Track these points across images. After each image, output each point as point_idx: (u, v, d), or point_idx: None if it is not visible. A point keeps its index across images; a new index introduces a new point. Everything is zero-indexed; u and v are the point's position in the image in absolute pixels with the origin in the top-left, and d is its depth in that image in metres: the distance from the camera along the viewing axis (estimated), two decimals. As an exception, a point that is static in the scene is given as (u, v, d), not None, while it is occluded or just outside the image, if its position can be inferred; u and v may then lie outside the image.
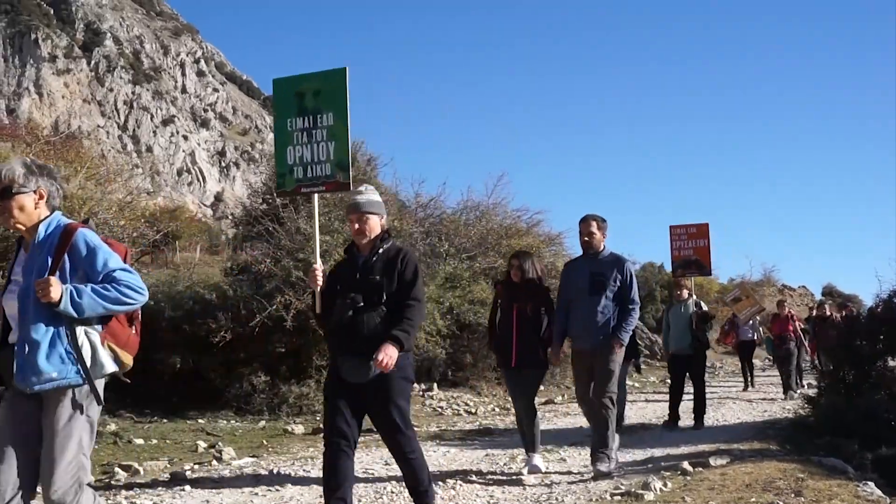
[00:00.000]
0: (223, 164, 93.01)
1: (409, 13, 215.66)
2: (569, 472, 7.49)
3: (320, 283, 5.37)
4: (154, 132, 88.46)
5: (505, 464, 7.92)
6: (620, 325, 7.11)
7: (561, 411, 13.32)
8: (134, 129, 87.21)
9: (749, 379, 18.38)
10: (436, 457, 8.38)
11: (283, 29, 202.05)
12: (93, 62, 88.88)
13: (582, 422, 11.77)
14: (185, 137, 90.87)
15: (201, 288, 12.30)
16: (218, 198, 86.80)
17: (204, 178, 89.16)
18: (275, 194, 14.19)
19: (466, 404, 13.35)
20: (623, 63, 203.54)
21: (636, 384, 18.66)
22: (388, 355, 4.73)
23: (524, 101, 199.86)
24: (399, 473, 5.71)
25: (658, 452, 8.48)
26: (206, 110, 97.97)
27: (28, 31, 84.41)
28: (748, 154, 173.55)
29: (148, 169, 66.49)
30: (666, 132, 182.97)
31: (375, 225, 5.27)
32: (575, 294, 7.32)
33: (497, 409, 13.24)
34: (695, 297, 11.77)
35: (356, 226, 5.24)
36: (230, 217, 41.50)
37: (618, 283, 7.18)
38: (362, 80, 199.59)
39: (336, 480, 4.84)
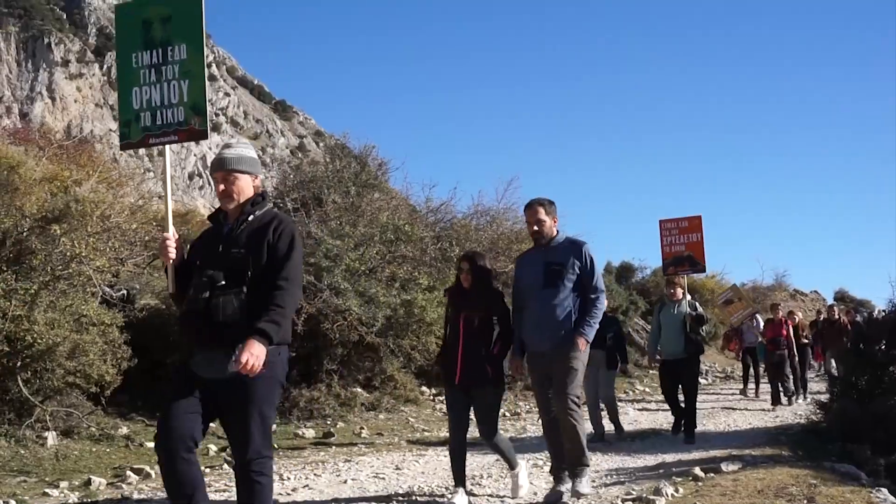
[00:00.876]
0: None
1: (422, 17, 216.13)
2: (580, 478, 7.46)
3: (173, 256, 4.44)
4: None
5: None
6: (583, 318, 6.23)
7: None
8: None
9: (754, 384, 17.63)
10: (446, 461, 8.35)
11: (294, 33, 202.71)
12: (105, 66, 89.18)
13: (588, 427, 11.77)
14: (196, 141, 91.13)
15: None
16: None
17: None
18: (285, 199, 14.27)
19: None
20: (637, 67, 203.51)
21: (647, 388, 18.57)
22: (253, 354, 3.92)
23: (536, 105, 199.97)
24: (410, 478, 5.72)
25: (669, 458, 8.46)
26: (217, 115, 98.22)
27: (41, 36, 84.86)
28: (761, 159, 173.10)
29: (159, 173, 66.77)
30: (680, 136, 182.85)
31: (246, 186, 4.39)
32: (528, 291, 6.43)
33: (507, 415, 13.21)
34: (689, 296, 10.92)
35: (221, 187, 4.36)
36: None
37: (576, 270, 6.27)
38: (375, 83, 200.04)
39: (183, 492, 4.00)
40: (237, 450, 4.13)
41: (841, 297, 48.18)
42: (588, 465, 6.38)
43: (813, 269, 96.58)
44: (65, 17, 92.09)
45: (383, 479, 7.45)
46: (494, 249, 16.60)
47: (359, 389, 12.32)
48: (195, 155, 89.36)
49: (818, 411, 10.26)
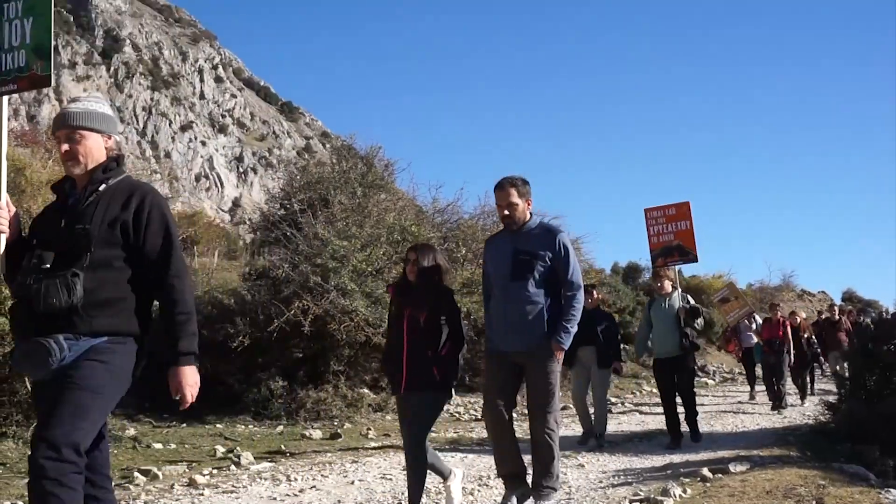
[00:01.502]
0: (241, 170, 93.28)
1: (428, 17, 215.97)
2: (587, 479, 7.46)
3: (5, 230, 3.77)
4: (172, 138, 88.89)
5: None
6: (560, 322, 5.54)
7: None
8: (152, 135, 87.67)
9: (755, 388, 17.09)
10: (453, 462, 8.36)
11: (300, 35, 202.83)
12: (112, 68, 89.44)
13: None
14: (203, 143, 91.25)
15: (219, 293, 12.34)
16: (236, 203, 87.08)
17: (222, 184, 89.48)
18: (292, 200, 14.28)
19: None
20: (644, 66, 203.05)
21: (654, 389, 18.52)
22: (189, 385, 3.57)
23: (543, 105, 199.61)
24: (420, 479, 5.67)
25: (677, 458, 8.44)
26: (223, 116, 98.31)
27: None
28: (768, 158, 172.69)
29: (166, 174, 66.92)
30: (688, 136, 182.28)
31: (95, 147, 3.63)
32: (496, 280, 5.81)
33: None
34: (680, 289, 10.23)
35: (64, 147, 3.62)
36: (248, 222, 41.65)
37: (548, 261, 5.63)
38: (381, 84, 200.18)
39: None
40: (34, 447, 3.26)
41: (849, 297, 48.10)
42: (557, 490, 5.85)
43: (821, 270, 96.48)
44: (72, 19, 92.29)
45: (391, 479, 7.45)
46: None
47: (366, 390, 12.33)
48: (202, 157, 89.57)
49: (826, 412, 10.22)
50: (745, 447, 9.06)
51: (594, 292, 10.32)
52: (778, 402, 13.87)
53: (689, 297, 10.16)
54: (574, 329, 5.62)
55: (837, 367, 16.23)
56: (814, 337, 17.49)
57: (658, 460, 8.43)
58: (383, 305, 11.71)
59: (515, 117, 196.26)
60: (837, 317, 17.75)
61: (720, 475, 6.97)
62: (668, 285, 10.11)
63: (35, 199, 9.66)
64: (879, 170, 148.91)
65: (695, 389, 10.57)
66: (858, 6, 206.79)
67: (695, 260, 10.60)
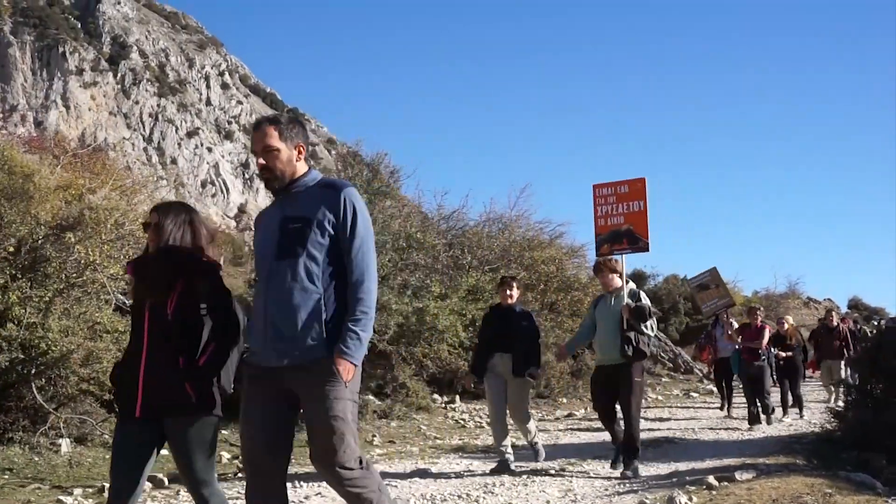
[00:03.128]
0: (247, 176, 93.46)
1: (434, 25, 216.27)
2: (592, 486, 7.46)
3: None
4: (179, 144, 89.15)
5: (528, 477, 7.89)
6: (347, 322, 3.80)
7: (583, 425, 13.25)
8: (159, 141, 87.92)
9: (728, 400, 14.97)
10: (459, 469, 8.37)
11: (306, 42, 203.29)
12: (119, 75, 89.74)
13: (605, 435, 11.75)
14: (210, 149, 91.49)
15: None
16: (241, 209, 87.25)
17: (227, 190, 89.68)
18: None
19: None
20: (651, 72, 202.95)
21: (659, 397, 18.52)
22: None
23: (549, 112, 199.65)
24: (423, 486, 5.68)
25: (682, 466, 8.43)
26: (230, 122, 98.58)
27: (55, 45, 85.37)
28: (776, 166, 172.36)
29: (172, 181, 67.05)
30: (692, 144, 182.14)
31: None
32: (259, 266, 4.10)
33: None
34: (632, 284, 8.51)
35: None
36: (253, 229, 41.68)
37: (330, 229, 3.87)
38: (387, 92, 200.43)
39: None
40: None
41: (855, 304, 48.04)
42: None
43: (827, 277, 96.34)
44: (79, 26, 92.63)
45: (395, 487, 7.44)
46: (507, 257, 16.62)
47: (371, 397, 12.33)
48: (208, 163, 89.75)
49: (833, 419, 10.19)
50: (751, 455, 9.04)
51: (513, 285, 8.63)
52: (756, 418, 12.46)
53: (642, 294, 8.32)
54: (368, 333, 3.86)
55: (843, 376, 15.33)
56: (805, 344, 16.86)
57: (663, 468, 8.42)
58: (389, 312, 11.73)
59: (523, 124, 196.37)
60: (835, 323, 16.45)
61: (726, 483, 6.95)
62: (614, 279, 8.36)
63: (43, 205, 9.68)
64: (886, 177, 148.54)
65: (642, 407, 8.82)
66: (865, 15, 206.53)
67: (646, 249, 8.73)
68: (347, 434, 3.76)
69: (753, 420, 12.48)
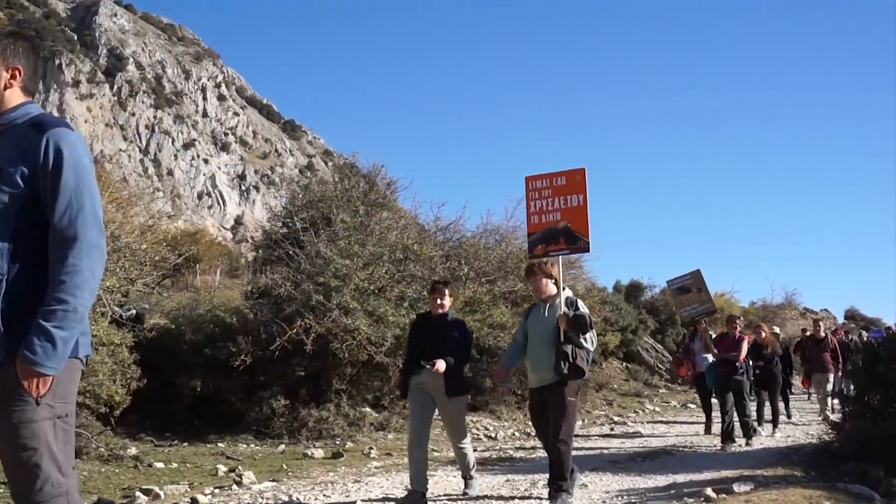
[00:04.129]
0: (243, 188, 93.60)
1: (431, 37, 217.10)
2: (590, 499, 7.43)
3: None
4: (175, 156, 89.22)
5: (526, 489, 7.86)
6: (38, 315, 2.80)
7: (581, 435, 13.22)
8: (155, 153, 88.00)
9: (708, 417, 13.74)
10: (456, 482, 8.33)
11: (302, 53, 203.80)
12: (115, 87, 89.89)
13: (603, 445, 11.74)
14: (206, 161, 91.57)
15: (221, 311, 12.34)
16: (238, 221, 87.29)
17: (224, 202, 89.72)
18: (294, 218, 14.31)
19: (486, 429, 13.28)
20: (646, 87, 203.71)
21: (657, 408, 18.48)
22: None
23: (544, 125, 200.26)
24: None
25: (681, 478, 8.40)
26: (226, 134, 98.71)
27: (52, 57, 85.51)
28: (773, 176, 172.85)
29: (169, 192, 67.06)
30: (689, 155, 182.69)
31: None
32: None
33: (517, 434, 13.17)
34: (569, 291, 7.39)
35: None
36: (250, 240, 41.67)
37: (21, 181, 2.91)
38: (384, 103, 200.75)
39: None
40: None
41: (852, 315, 48.10)
42: None
43: (824, 288, 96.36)
44: (75, 38, 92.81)
45: (393, 499, 7.41)
46: (504, 268, 16.59)
47: (368, 409, 12.30)
48: (204, 174, 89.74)
49: (830, 431, 10.17)
50: (749, 467, 9.01)
51: (445, 292, 7.49)
52: (730, 435, 11.23)
53: (580, 302, 7.17)
54: (68, 330, 2.82)
55: (830, 390, 15.08)
56: (791, 354, 16.05)
57: (661, 480, 8.39)
58: (386, 324, 11.72)
59: (518, 136, 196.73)
60: (823, 334, 15.64)
61: (724, 495, 6.93)
62: (548, 285, 7.21)
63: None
64: (883, 188, 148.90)
65: (573, 433, 7.27)
66: (865, 18, 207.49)
67: (585, 249, 7.67)
68: (44, 466, 2.81)
69: (727, 437, 11.22)
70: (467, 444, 7.49)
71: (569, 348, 6.81)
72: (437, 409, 7.27)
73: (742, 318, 13.32)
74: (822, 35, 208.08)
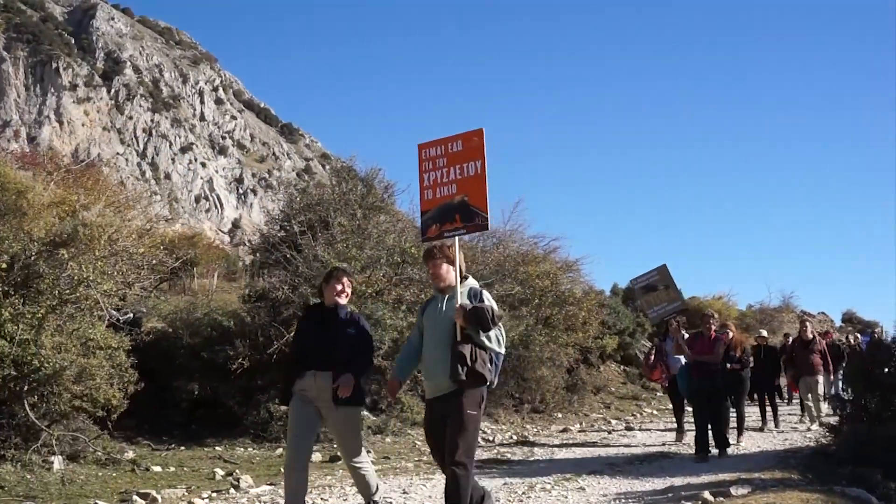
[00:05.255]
0: (241, 191, 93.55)
1: (430, 40, 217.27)
2: (587, 501, 7.43)
3: None
4: (172, 159, 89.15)
5: (524, 493, 7.86)
6: None
7: (579, 439, 13.22)
8: (153, 157, 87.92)
9: (683, 427, 12.65)
10: (454, 485, 8.32)
11: (300, 57, 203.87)
12: (113, 90, 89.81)
13: (600, 448, 11.73)
14: (203, 164, 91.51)
15: (219, 315, 12.32)
16: (235, 224, 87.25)
17: (221, 205, 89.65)
18: (292, 222, 14.31)
19: (484, 432, 13.28)
20: (644, 85, 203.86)
21: (654, 411, 18.47)
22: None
23: (542, 127, 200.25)
24: (418, 502, 5.62)
25: (678, 482, 8.40)
26: (223, 138, 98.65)
27: (49, 61, 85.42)
28: (770, 179, 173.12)
29: (166, 196, 67.02)
30: (688, 155, 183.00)
31: None
32: None
33: (515, 437, 13.16)
34: (473, 281, 6.13)
35: None
36: (247, 244, 41.67)
37: None
38: (381, 106, 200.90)
39: None
40: None
41: (849, 318, 48.07)
42: None
43: (821, 291, 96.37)
44: (73, 41, 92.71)
45: (390, 502, 7.40)
46: (501, 272, 16.61)
47: (365, 412, 12.28)
48: (202, 178, 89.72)
49: (828, 434, 10.18)
50: (747, 470, 9.02)
51: (344, 280, 6.43)
52: (705, 446, 10.44)
53: (486, 294, 5.93)
54: None
55: (821, 394, 14.42)
56: (775, 358, 15.04)
57: (659, 483, 8.39)
58: (383, 328, 11.71)
59: (515, 138, 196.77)
60: (811, 336, 14.72)
61: (721, 498, 6.95)
62: (449, 273, 6.00)
63: (36, 221, 9.67)
64: (881, 190, 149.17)
65: (473, 454, 5.82)
66: (864, 20, 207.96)
67: (484, 227, 6.38)
68: None
69: (702, 448, 10.44)
70: (364, 462, 6.31)
71: (467, 349, 5.60)
72: (326, 422, 6.23)
73: (717, 316, 11.99)
74: (821, 32, 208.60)
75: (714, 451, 10.59)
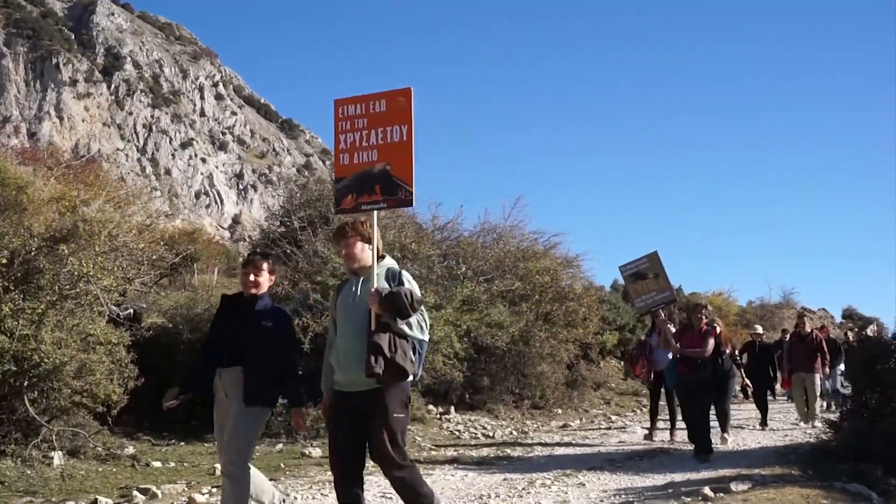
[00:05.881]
0: (241, 187, 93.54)
1: (426, 35, 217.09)
2: (588, 498, 7.43)
3: None
4: (173, 155, 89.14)
5: (524, 488, 7.86)
6: None
7: (579, 435, 13.23)
8: (153, 152, 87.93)
9: (655, 425, 12.50)
10: (453, 481, 8.34)
11: (300, 52, 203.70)
12: (113, 86, 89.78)
13: (600, 444, 11.74)
14: (204, 160, 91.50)
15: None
16: (235, 220, 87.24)
17: (222, 201, 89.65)
18: (292, 217, 14.31)
19: (484, 428, 13.28)
20: (644, 82, 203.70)
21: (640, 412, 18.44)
22: None
23: (544, 122, 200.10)
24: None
25: (678, 477, 8.40)
26: (224, 133, 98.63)
27: (49, 56, 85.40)
28: (771, 175, 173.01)
29: (166, 192, 67.05)
30: (689, 153, 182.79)
31: None
32: None
33: (515, 433, 13.16)
34: (392, 261, 5.47)
35: None
36: (248, 239, 41.67)
37: None
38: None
39: None
40: None
41: (849, 314, 48.14)
42: None
43: (822, 287, 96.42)
44: (73, 37, 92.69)
45: (391, 498, 7.40)
46: (501, 267, 16.62)
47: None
48: (202, 174, 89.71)
49: (828, 430, 10.17)
50: (747, 466, 9.02)
51: (263, 266, 5.84)
52: (703, 449, 9.89)
53: (406, 276, 5.26)
54: None
55: (817, 392, 13.87)
56: (769, 354, 14.58)
57: (659, 479, 8.39)
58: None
59: (516, 134, 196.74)
60: (808, 330, 14.22)
61: (722, 494, 6.94)
62: (364, 252, 5.26)
63: (36, 217, 9.67)
64: (883, 186, 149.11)
65: (408, 460, 5.17)
66: (865, 24, 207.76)
67: (409, 202, 5.50)
68: None
69: (701, 448, 9.96)
70: (242, 473, 5.51)
71: (385, 339, 4.91)
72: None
73: (709, 308, 11.19)
74: (819, 27, 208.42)
75: (691, 445, 10.22)
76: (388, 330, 4.93)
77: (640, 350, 12.39)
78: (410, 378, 5.10)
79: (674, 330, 11.09)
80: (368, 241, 5.22)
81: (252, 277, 5.73)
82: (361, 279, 5.21)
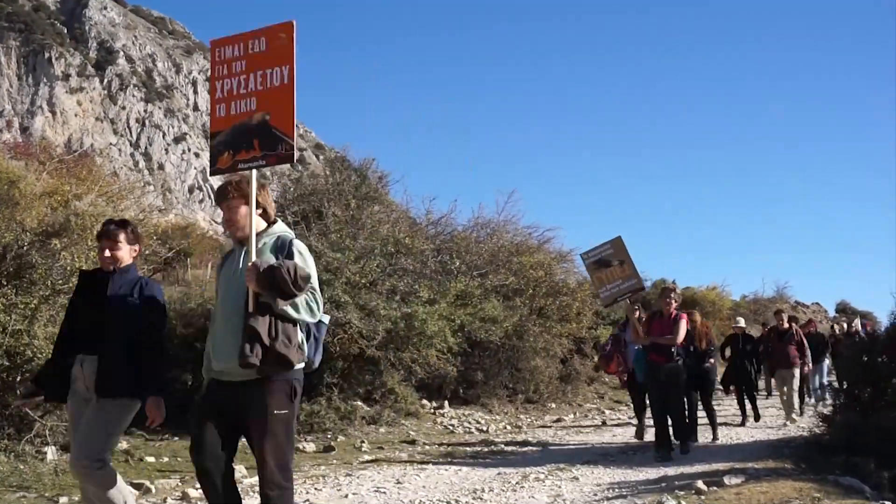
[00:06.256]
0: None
1: (423, 30, 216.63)
2: (581, 492, 7.45)
3: None
4: (166, 150, 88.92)
5: (517, 482, 7.87)
6: None
7: (572, 430, 13.25)
8: (146, 147, 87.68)
9: (644, 423, 11.72)
10: (447, 475, 8.34)
11: (296, 49, 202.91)
12: (105, 80, 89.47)
13: (594, 440, 11.77)
14: (197, 155, 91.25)
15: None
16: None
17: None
18: (285, 212, 14.29)
19: (478, 422, 13.29)
20: (638, 79, 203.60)
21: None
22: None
23: (537, 118, 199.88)
24: (412, 492, 5.59)
25: (672, 471, 8.42)
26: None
27: (41, 50, 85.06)
28: (764, 169, 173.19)
29: (160, 186, 66.92)
30: (681, 148, 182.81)
31: None
32: None
33: (509, 428, 13.18)
34: (283, 227, 4.72)
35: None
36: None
37: None
38: (375, 97, 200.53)
39: None
40: None
41: (843, 308, 48.26)
42: None
43: (815, 281, 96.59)
44: (65, 31, 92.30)
45: (384, 493, 7.41)
46: (495, 262, 16.63)
47: (359, 403, 12.28)
48: (195, 168, 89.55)
49: (821, 424, 10.20)
50: (740, 459, 9.05)
51: (119, 236, 5.05)
52: (666, 444, 9.57)
53: (299, 247, 4.52)
54: None
55: (795, 388, 13.47)
56: (754, 349, 13.89)
57: (652, 473, 8.41)
58: (377, 318, 11.71)
59: (510, 129, 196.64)
60: (787, 325, 13.59)
61: (715, 488, 6.96)
62: (244, 218, 4.51)
63: (29, 212, 9.64)
64: (876, 180, 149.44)
65: (291, 468, 4.50)
66: (858, 20, 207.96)
67: (289, 158, 4.69)
68: None
69: (662, 444, 9.55)
70: (102, 469, 4.80)
71: (263, 322, 4.18)
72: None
73: (679, 293, 10.49)
74: (819, 27, 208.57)
75: (675, 442, 9.78)
76: (268, 312, 4.19)
77: (615, 346, 11.69)
78: (301, 366, 4.41)
79: (642, 318, 10.50)
80: (246, 200, 4.47)
81: (108, 253, 4.98)
82: (244, 250, 4.44)
